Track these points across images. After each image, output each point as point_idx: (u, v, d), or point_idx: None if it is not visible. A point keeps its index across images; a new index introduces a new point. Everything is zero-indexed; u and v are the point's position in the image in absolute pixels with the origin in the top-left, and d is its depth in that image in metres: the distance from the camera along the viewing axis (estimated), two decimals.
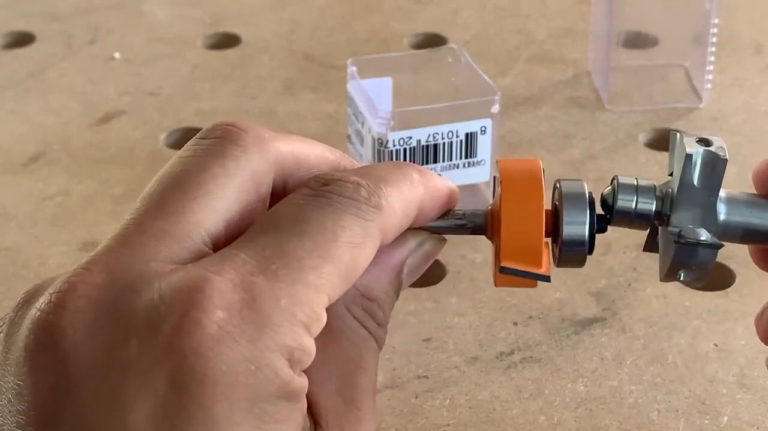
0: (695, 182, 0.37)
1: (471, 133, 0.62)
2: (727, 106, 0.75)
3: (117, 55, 0.83)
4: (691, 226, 0.37)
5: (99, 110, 0.76)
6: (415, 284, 0.58)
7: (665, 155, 0.70)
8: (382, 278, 0.36)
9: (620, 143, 0.71)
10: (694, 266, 0.37)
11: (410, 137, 0.61)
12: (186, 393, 0.29)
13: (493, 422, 0.51)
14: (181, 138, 0.73)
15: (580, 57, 0.80)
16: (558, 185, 0.37)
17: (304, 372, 0.32)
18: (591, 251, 0.37)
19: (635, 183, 0.38)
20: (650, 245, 0.40)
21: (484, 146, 0.62)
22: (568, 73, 0.79)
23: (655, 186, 0.38)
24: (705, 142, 0.38)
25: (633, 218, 0.38)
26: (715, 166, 0.37)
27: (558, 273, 0.60)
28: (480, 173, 0.63)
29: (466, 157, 0.62)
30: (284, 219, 0.33)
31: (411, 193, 0.35)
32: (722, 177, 0.37)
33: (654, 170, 0.68)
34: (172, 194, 0.33)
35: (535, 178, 0.36)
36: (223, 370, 0.30)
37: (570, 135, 0.72)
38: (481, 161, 0.63)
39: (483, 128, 0.62)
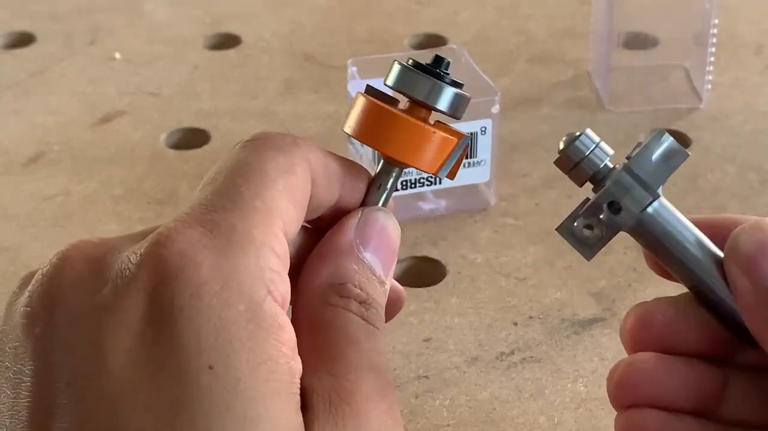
0: (653, 158, 0.38)
1: (471, 133, 0.62)
2: (727, 107, 0.75)
3: (117, 55, 0.83)
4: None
5: (99, 110, 0.76)
6: (415, 285, 0.59)
7: None
8: (339, 261, 0.36)
9: (620, 143, 0.71)
10: (619, 207, 0.38)
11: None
12: (159, 325, 0.30)
13: (493, 422, 0.51)
14: (181, 138, 0.73)
15: (581, 57, 0.80)
16: (386, 84, 0.38)
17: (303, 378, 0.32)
18: (460, 85, 0.38)
19: (598, 140, 0.39)
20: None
21: (484, 147, 0.62)
22: (569, 74, 0.79)
23: (611, 155, 0.39)
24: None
25: (578, 164, 0.39)
26: (675, 156, 0.38)
27: (558, 274, 0.60)
28: (480, 173, 0.63)
29: (466, 157, 0.62)
30: (212, 174, 0.34)
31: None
32: (674, 169, 0.39)
33: None
34: None
35: (373, 109, 0.38)
36: (188, 295, 0.30)
37: None
38: (481, 161, 0.63)
39: (483, 129, 0.62)
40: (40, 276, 0.33)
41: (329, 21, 0.87)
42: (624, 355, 0.55)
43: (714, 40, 0.73)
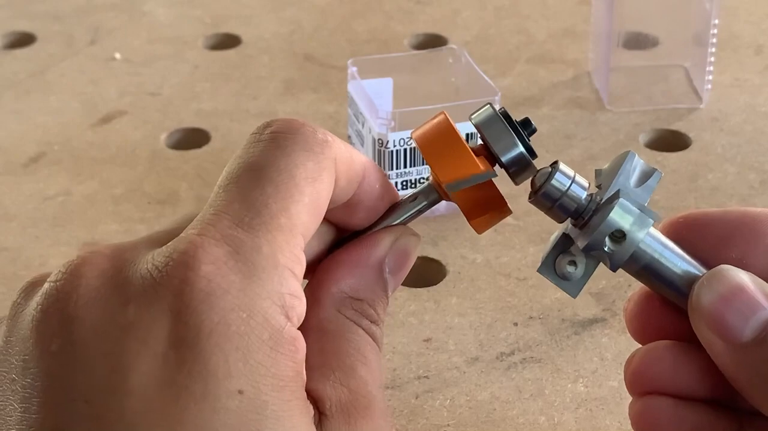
0: (632, 181, 0.38)
1: (471, 133, 0.62)
2: (727, 107, 0.75)
3: (117, 55, 0.83)
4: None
5: (99, 110, 0.76)
6: (415, 285, 0.59)
7: (665, 155, 0.70)
8: (365, 277, 0.36)
9: (620, 143, 0.71)
10: (622, 235, 0.37)
11: (410, 138, 0.61)
12: (184, 348, 0.30)
13: (493, 422, 0.51)
14: (181, 138, 0.73)
15: (581, 57, 0.80)
16: (471, 120, 0.38)
17: (310, 375, 0.33)
18: (534, 155, 0.38)
19: (573, 173, 0.38)
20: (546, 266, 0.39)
21: None
22: (569, 74, 0.79)
23: (588, 187, 0.38)
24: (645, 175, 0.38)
25: (557, 202, 0.38)
26: (651, 177, 0.38)
27: None
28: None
29: None
30: (239, 170, 0.33)
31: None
32: (653, 190, 0.38)
33: None
34: None
35: (441, 123, 0.38)
36: (216, 321, 0.30)
37: (570, 135, 0.72)
38: None
39: None
40: (54, 291, 0.32)
41: (329, 21, 0.87)
42: (624, 354, 0.55)
43: (714, 40, 0.73)
